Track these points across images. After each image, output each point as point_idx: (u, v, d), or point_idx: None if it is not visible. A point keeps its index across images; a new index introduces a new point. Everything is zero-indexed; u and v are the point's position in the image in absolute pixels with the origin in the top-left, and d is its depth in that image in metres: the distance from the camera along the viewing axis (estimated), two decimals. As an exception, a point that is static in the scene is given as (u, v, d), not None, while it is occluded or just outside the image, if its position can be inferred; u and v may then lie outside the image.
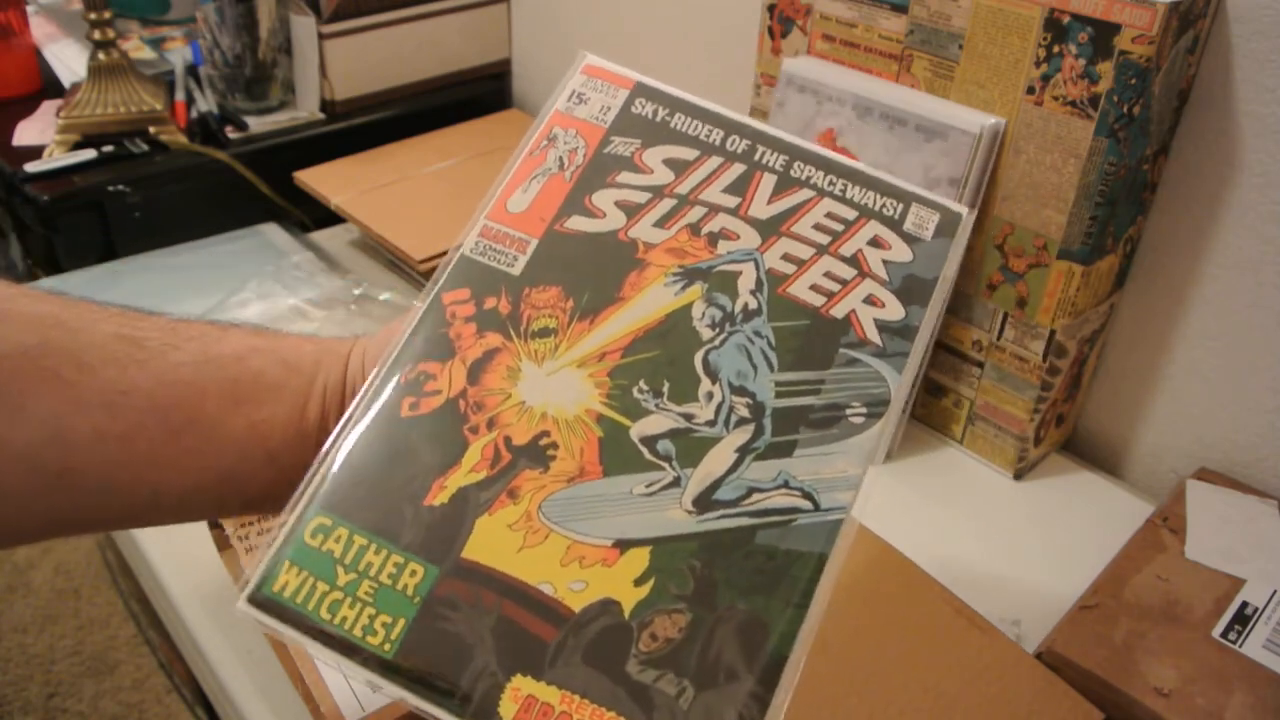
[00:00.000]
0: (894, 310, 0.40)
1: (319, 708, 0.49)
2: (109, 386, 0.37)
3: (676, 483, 0.37)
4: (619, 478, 0.37)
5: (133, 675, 1.48)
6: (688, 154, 0.43)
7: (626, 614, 0.35)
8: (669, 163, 0.43)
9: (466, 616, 0.34)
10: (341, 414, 0.38)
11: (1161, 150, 0.67)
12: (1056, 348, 0.69)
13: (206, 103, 1.08)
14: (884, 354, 0.40)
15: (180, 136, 1.02)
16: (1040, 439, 0.74)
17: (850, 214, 0.42)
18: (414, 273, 0.93)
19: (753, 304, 0.40)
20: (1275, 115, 0.63)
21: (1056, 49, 0.61)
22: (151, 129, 1.01)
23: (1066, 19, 0.60)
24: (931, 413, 0.78)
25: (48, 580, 1.62)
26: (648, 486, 0.37)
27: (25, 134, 1.03)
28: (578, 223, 0.41)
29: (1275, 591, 0.59)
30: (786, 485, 0.37)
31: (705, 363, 0.39)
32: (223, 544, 0.60)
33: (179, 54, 1.15)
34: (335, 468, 0.36)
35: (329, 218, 1.03)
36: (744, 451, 0.37)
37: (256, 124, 1.07)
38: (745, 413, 0.38)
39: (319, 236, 1.05)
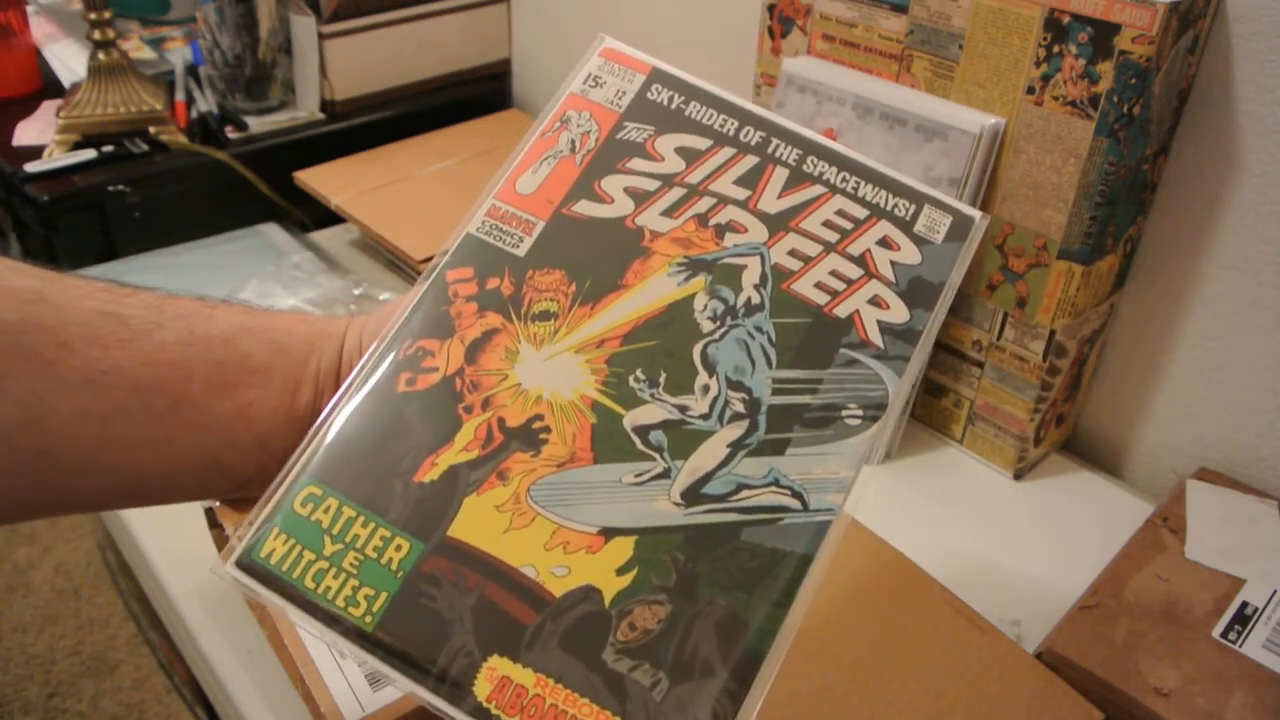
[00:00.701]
0: (898, 313, 0.40)
1: (319, 708, 0.49)
2: (91, 366, 0.36)
3: (666, 474, 0.37)
4: (609, 465, 0.37)
5: (133, 675, 1.48)
6: (700, 143, 0.42)
7: (607, 602, 0.35)
8: (681, 151, 0.42)
9: (448, 595, 0.34)
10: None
11: (1161, 150, 0.67)
12: (1056, 348, 0.69)
13: (206, 103, 1.08)
14: (884, 356, 0.39)
15: (180, 136, 1.02)
16: (1040, 439, 0.74)
17: (861, 212, 0.42)
18: (414, 273, 0.93)
19: (756, 299, 0.40)
20: (1275, 115, 0.63)
21: (1056, 49, 0.61)
22: (151, 129, 1.01)
23: (1066, 19, 0.60)
24: (931, 413, 0.78)
25: (48, 580, 1.62)
26: (637, 476, 0.37)
27: (25, 134, 1.03)
28: (585, 207, 0.41)
29: (1275, 591, 0.59)
30: (776, 483, 0.37)
31: (704, 355, 0.39)
32: (223, 544, 0.60)
33: (179, 54, 1.15)
34: (329, 439, 0.36)
35: (329, 218, 1.03)
36: (736, 447, 0.37)
37: (256, 124, 1.07)
38: (740, 408, 0.38)
39: (319, 236, 1.05)
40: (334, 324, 0.42)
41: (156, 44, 1.19)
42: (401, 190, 1.02)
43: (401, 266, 0.97)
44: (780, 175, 0.42)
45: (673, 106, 0.43)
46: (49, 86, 1.13)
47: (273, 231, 1.02)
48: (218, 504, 0.56)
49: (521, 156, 0.42)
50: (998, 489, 0.74)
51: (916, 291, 0.41)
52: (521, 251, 0.40)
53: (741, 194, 0.41)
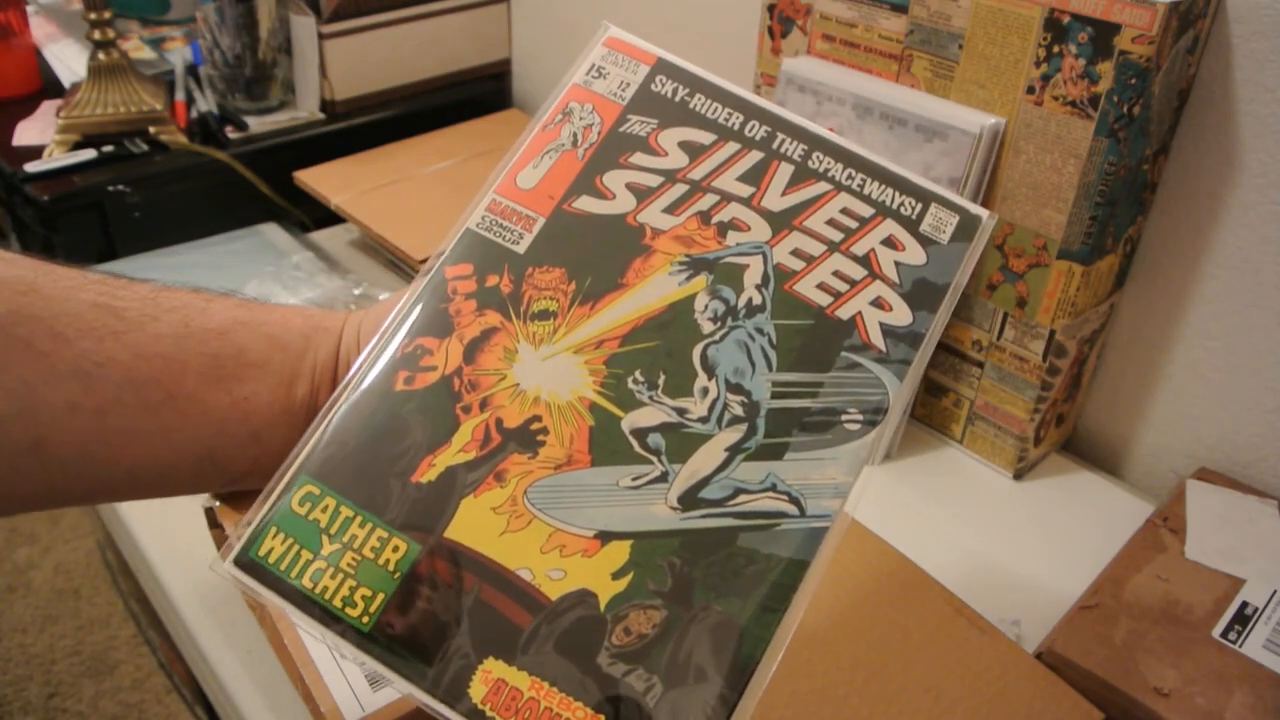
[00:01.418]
0: (901, 315, 0.39)
1: (319, 708, 0.49)
2: (84, 358, 0.36)
3: (664, 478, 0.36)
4: (607, 468, 0.36)
5: (133, 675, 1.48)
6: (704, 138, 0.41)
7: (602, 606, 0.34)
8: (684, 146, 0.41)
9: (444, 596, 0.34)
10: (333, 390, 0.38)
11: (1161, 150, 0.67)
12: (1056, 348, 0.69)
13: (206, 103, 1.08)
14: (886, 360, 0.39)
15: (180, 136, 1.02)
16: (1040, 439, 0.74)
17: (866, 211, 0.41)
18: (413, 273, 0.93)
19: (757, 299, 0.39)
20: (1275, 115, 0.63)
21: (1056, 49, 0.61)
22: (151, 129, 1.01)
23: (1066, 19, 0.60)
24: (931, 412, 0.78)
25: (48, 580, 1.62)
26: (634, 480, 0.36)
27: (25, 134, 1.03)
28: (586, 203, 0.40)
29: (1275, 591, 0.59)
30: (774, 488, 0.37)
31: (703, 357, 0.38)
32: (223, 543, 0.59)
33: (179, 54, 1.15)
34: (326, 437, 0.36)
35: (329, 218, 1.03)
36: (734, 451, 0.37)
37: (256, 124, 1.07)
38: (739, 411, 0.37)
39: (319, 236, 1.05)
40: (331, 319, 0.42)
41: (156, 44, 1.19)
42: (401, 190, 1.02)
43: (401, 266, 0.97)
44: (785, 171, 0.41)
45: (677, 99, 0.42)
46: (49, 86, 1.13)
47: (273, 231, 1.02)
48: (218, 504, 0.56)
49: (523, 150, 0.41)
50: (998, 489, 0.74)
51: (921, 293, 0.40)
52: (521, 248, 0.40)
53: (745, 191, 0.41)
